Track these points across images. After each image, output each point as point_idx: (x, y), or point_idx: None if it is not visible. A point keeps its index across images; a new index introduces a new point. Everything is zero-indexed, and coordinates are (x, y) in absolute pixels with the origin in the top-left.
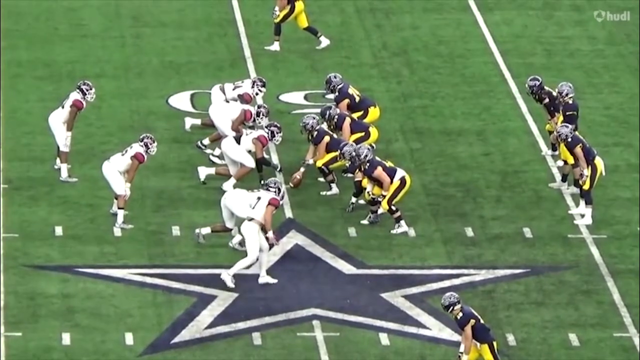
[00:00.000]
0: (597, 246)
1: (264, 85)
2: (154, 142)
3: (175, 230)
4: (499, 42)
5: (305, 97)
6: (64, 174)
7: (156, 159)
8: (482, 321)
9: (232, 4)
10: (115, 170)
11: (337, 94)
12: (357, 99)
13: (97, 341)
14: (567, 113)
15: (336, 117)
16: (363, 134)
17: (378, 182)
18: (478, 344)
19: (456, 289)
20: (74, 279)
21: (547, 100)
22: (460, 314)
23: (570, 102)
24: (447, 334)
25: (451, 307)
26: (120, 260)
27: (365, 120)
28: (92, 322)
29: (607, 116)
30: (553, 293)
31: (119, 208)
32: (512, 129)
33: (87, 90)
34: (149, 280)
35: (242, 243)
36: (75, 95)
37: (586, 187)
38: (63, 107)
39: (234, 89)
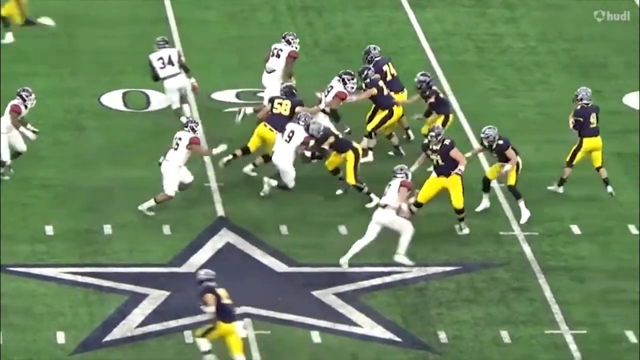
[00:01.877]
0: (529, 243)
1: (293, 40)
2: (197, 125)
3: (107, 229)
4: (431, 39)
5: (237, 96)
6: None
7: (87, 157)
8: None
9: (165, 2)
10: (175, 168)
11: (367, 80)
12: (385, 92)
13: (29, 340)
14: (576, 118)
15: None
16: (387, 112)
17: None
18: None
19: (388, 286)
20: (5, 278)
21: (432, 99)
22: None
23: (579, 107)
24: (379, 331)
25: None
26: (52, 259)
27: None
28: (24, 321)
29: (539, 114)
30: (485, 290)
31: (155, 201)
32: None
33: (26, 96)
34: (80, 279)
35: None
36: (14, 102)
37: (512, 181)
38: (3, 114)
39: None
